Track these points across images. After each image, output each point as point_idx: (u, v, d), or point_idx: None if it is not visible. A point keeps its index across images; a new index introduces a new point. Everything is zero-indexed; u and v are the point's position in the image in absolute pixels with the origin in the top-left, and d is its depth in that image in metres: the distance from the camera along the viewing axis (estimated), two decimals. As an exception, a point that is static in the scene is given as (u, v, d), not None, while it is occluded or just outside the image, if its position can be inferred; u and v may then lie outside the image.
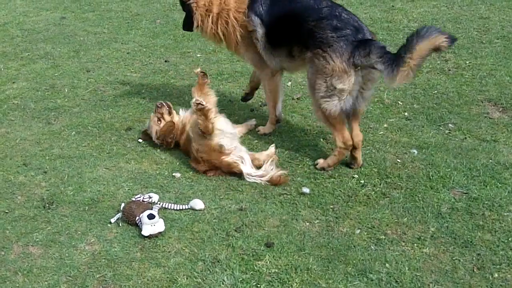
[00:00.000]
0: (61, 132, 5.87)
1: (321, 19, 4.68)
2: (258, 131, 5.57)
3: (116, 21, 9.63)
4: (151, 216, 4.17)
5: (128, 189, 4.76)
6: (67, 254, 4.08)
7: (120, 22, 9.51)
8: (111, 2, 10.73)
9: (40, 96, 6.79)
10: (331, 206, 4.41)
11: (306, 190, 4.59)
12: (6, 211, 4.61)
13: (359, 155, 4.88)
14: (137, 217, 4.24)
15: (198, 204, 4.46)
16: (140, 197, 4.50)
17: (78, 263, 3.99)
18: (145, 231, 4.14)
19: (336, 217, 4.29)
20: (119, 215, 4.39)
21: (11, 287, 3.81)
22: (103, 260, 4.00)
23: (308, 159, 5.06)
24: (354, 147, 4.84)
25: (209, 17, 5.27)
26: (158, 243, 4.12)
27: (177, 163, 5.14)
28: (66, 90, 6.89)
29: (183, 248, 4.06)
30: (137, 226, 4.25)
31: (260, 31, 5.08)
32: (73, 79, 7.22)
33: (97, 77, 7.23)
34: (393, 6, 8.92)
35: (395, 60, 4.31)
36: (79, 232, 4.30)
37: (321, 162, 4.92)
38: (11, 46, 8.67)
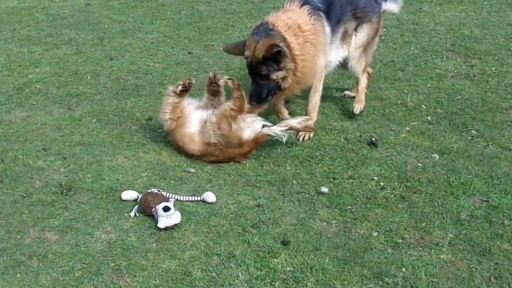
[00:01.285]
0: (82, 119, 5.89)
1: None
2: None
3: (141, 10, 9.64)
4: (166, 209, 4.15)
5: (147, 180, 4.76)
6: (82, 241, 4.09)
7: (145, 12, 9.52)
8: (137, -9, 10.77)
9: (63, 81, 6.82)
10: (349, 207, 4.38)
11: (324, 189, 4.56)
12: (24, 195, 4.63)
13: None
14: (153, 209, 4.24)
15: (210, 196, 4.45)
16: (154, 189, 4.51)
17: (94, 251, 3.99)
18: (161, 224, 4.13)
19: (354, 219, 4.25)
20: (136, 207, 4.38)
21: (25, 271, 3.82)
22: (119, 249, 4.00)
23: (328, 158, 5.03)
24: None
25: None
26: (174, 235, 4.11)
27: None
28: (88, 77, 6.91)
29: (199, 241, 4.05)
30: (153, 218, 4.25)
31: (327, 24, 5.21)
32: (96, 66, 7.24)
33: (120, 66, 7.24)
34: (420, 8, 8.83)
35: None
36: (95, 220, 4.31)
37: (356, 106, 5.65)
38: (36, 31, 8.71)
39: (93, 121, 5.82)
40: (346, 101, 6.09)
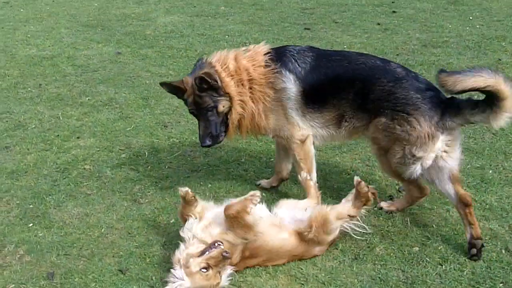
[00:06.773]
0: (156, 218, 4.60)
1: (399, 79, 4.16)
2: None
3: (180, 60, 8.46)
4: None
5: None
6: None
7: (185, 62, 8.32)
8: (169, 37, 9.60)
9: (116, 160, 5.54)
10: None
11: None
12: None
13: (474, 215, 4.10)
14: None
15: None
16: None
17: None
18: None
19: None
20: None
21: None
22: None
23: None
24: (466, 205, 4.08)
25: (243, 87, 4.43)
26: None
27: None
28: (146, 154, 5.65)
29: None
30: None
31: (293, 88, 4.37)
32: (151, 138, 5.99)
33: (179, 136, 6.00)
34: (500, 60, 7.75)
35: (490, 103, 3.77)
36: None
37: (385, 205, 4.61)
38: (66, 87, 7.48)
39: (171, 221, 4.55)
40: None
